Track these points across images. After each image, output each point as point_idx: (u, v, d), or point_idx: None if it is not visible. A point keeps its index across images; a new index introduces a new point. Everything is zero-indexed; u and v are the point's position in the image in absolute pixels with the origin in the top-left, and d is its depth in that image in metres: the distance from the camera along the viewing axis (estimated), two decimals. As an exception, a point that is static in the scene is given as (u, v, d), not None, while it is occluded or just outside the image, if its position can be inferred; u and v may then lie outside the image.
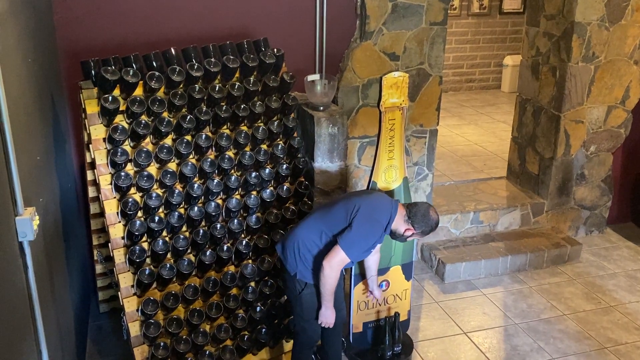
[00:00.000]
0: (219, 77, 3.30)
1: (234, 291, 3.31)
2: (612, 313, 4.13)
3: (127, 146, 3.08)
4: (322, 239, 2.90)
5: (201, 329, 3.16)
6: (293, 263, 2.93)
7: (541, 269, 4.66)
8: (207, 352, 3.17)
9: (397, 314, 3.49)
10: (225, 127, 3.34)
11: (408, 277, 3.66)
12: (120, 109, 3.04)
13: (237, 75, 3.35)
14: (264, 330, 3.34)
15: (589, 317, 4.08)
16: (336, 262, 2.79)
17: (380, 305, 3.44)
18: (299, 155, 3.56)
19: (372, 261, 3.29)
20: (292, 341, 3.49)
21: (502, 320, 4.05)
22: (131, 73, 3.01)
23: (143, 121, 3.06)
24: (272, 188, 3.48)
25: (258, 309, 3.34)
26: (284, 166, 3.50)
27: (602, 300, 4.28)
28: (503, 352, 3.74)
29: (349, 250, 2.78)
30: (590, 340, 3.84)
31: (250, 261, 3.38)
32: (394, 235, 2.98)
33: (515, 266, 4.60)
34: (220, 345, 3.23)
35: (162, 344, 3.04)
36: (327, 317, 2.99)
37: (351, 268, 3.36)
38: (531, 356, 3.69)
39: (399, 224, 2.92)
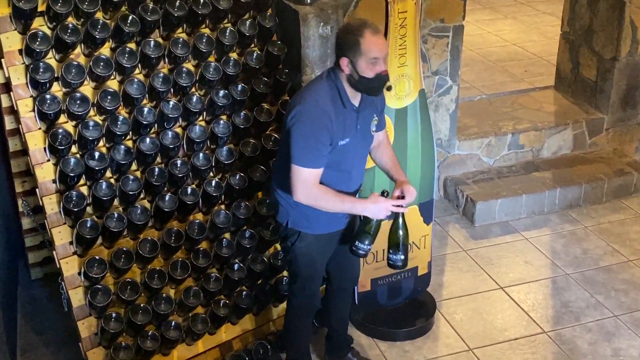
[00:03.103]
0: (168, -38, 3.22)
1: (203, 245, 3.34)
2: (690, 257, 4.22)
3: (51, 59, 3.04)
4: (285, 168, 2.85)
5: (164, 295, 3.21)
6: (282, 209, 2.97)
7: (600, 204, 4.71)
8: (174, 323, 3.22)
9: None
10: (180, 30, 3.29)
11: (428, 219, 3.69)
12: (40, 9, 2.98)
13: (192, -42, 3.27)
14: (244, 293, 3.40)
15: (660, 262, 4.17)
16: (299, 184, 2.76)
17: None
18: (281, 66, 3.51)
19: (386, 155, 3.16)
20: (281, 305, 3.55)
21: (550, 270, 4.12)
22: (50, -40, 2.93)
23: (70, 25, 3.01)
24: (246, 111, 3.46)
25: (236, 266, 3.38)
26: (262, 81, 3.46)
27: (678, 240, 4.36)
28: (551, 309, 3.82)
29: (301, 161, 2.74)
30: (662, 292, 3.93)
31: (222, 207, 3.40)
32: (357, 86, 2.80)
33: (566, 202, 4.65)
34: (190, 314, 3.29)
35: (114, 314, 3.09)
36: (375, 210, 2.86)
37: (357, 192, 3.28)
38: (587, 314, 3.77)
39: (343, 77, 2.79)
